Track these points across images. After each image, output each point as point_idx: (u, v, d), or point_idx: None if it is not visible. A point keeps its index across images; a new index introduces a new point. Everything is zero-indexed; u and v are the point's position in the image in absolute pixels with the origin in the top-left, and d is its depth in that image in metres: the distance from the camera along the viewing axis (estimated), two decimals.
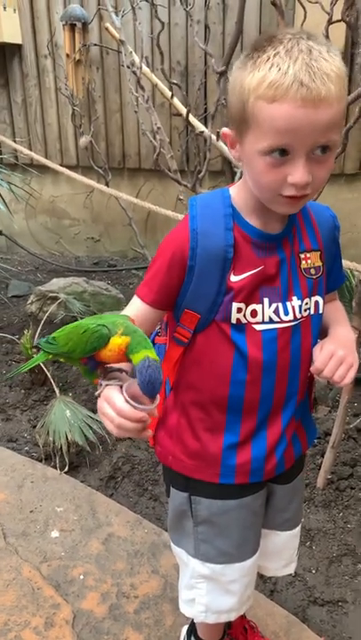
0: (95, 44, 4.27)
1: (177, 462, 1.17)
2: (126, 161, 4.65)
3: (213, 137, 2.46)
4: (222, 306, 1.02)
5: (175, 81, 2.88)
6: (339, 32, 2.95)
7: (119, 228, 4.79)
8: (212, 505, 1.17)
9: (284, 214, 1.03)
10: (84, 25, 4.15)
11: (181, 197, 2.78)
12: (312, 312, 1.09)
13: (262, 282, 1.02)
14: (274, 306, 1.04)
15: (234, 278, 1.01)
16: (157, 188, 4.60)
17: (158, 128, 2.74)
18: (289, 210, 0.99)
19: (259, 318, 1.04)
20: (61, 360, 1.07)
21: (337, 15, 1.76)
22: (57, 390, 2.60)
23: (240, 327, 1.04)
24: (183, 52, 4.24)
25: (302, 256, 1.07)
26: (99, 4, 4.07)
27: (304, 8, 1.88)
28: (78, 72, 4.25)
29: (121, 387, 0.91)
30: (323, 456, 2.20)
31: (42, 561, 1.87)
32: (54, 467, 2.31)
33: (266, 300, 1.03)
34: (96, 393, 0.94)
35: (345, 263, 1.67)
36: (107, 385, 0.93)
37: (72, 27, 4.11)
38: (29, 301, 3.61)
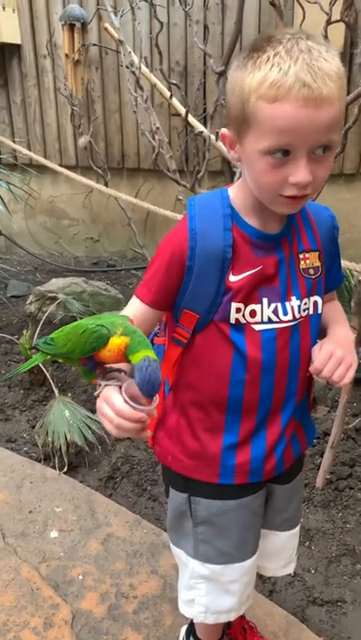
0: (94, 44, 4.27)
1: (176, 462, 1.17)
2: (125, 161, 4.65)
3: (212, 137, 2.46)
4: (221, 306, 1.02)
5: (174, 81, 2.88)
6: (338, 32, 2.95)
7: (118, 228, 4.79)
8: (212, 505, 1.17)
9: (282, 214, 1.03)
10: (83, 25, 4.15)
11: (180, 197, 2.78)
12: (311, 312, 1.09)
13: (261, 282, 1.02)
14: (273, 306, 1.04)
15: (233, 278, 1.01)
16: (156, 188, 4.60)
17: (157, 128, 2.74)
18: (289, 210, 0.99)
19: (258, 318, 1.04)
20: (60, 360, 1.07)
21: (336, 15, 1.76)
22: (56, 390, 2.60)
23: (239, 327, 1.04)
24: (182, 52, 4.24)
25: (301, 256, 1.07)
26: (98, 4, 4.08)
27: (303, 8, 1.88)
28: (77, 72, 4.25)
29: (120, 387, 0.91)
30: (322, 456, 2.20)
31: (41, 561, 1.87)
32: (53, 467, 2.31)
33: (265, 300, 1.03)
34: (95, 393, 0.94)
35: (344, 263, 1.67)
36: (106, 385, 0.93)
37: (71, 27, 4.11)
38: (28, 301, 3.61)
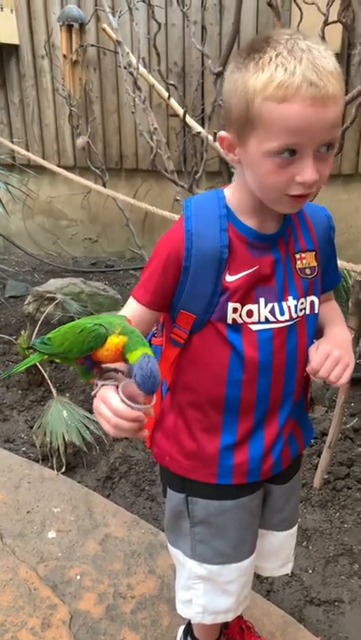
0: (92, 45, 4.27)
1: (174, 463, 1.17)
2: (124, 161, 4.65)
3: (210, 138, 2.46)
4: (218, 306, 1.02)
5: (172, 82, 2.88)
6: (335, 33, 2.96)
7: (116, 229, 4.78)
8: (209, 505, 1.17)
9: (279, 215, 1.04)
10: (81, 25, 4.15)
11: (178, 198, 2.78)
12: (308, 312, 1.09)
13: (258, 282, 1.03)
14: (270, 306, 1.04)
15: (229, 278, 1.01)
16: (155, 188, 4.60)
17: (155, 129, 2.74)
18: (292, 209, 0.99)
19: (255, 318, 1.04)
20: (57, 360, 1.07)
21: (333, 16, 1.77)
22: (54, 391, 2.60)
23: (236, 327, 1.04)
24: (180, 52, 4.25)
25: (297, 256, 1.07)
26: (96, 5, 4.07)
27: (300, 9, 1.88)
28: (75, 73, 4.25)
29: (117, 387, 0.91)
30: (319, 456, 2.20)
31: (39, 561, 1.87)
32: (51, 467, 2.31)
33: (262, 300, 1.03)
34: (92, 393, 0.95)
35: (342, 264, 1.67)
36: (103, 385, 0.93)
37: (69, 27, 4.11)
38: (27, 302, 3.61)
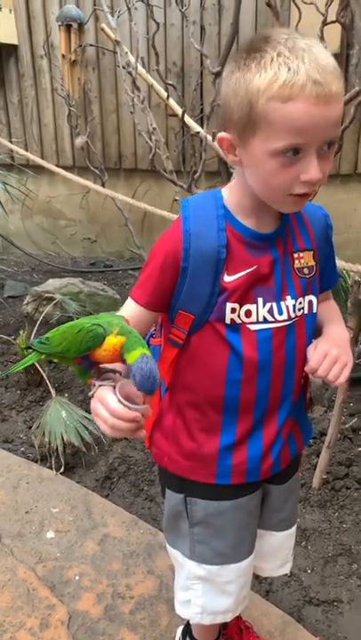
0: (91, 45, 4.27)
1: (172, 463, 1.17)
2: (122, 161, 4.65)
3: (209, 137, 2.46)
4: (216, 306, 1.02)
5: (171, 82, 2.88)
6: (334, 33, 2.95)
7: (115, 229, 4.78)
8: (208, 506, 1.17)
9: (277, 214, 1.04)
10: (80, 25, 4.15)
11: (177, 198, 2.78)
12: (306, 311, 1.09)
13: (256, 282, 1.02)
14: (268, 305, 1.04)
15: (227, 279, 1.01)
16: (154, 188, 4.60)
17: (154, 129, 2.74)
18: (295, 208, 0.99)
19: (253, 318, 1.04)
20: (55, 360, 1.07)
21: (332, 16, 1.76)
22: (53, 391, 2.59)
23: (234, 327, 1.04)
24: (179, 52, 4.25)
25: (295, 255, 1.07)
26: (94, 5, 4.07)
27: (299, 9, 1.88)
28: (74, 72, 4.25)
29: (114, 387, 0.91)
30: (318, 456, 2.20)
31: (37, 562, 1.87)
32: (50, 467, 2.31)
33: (260, 300, 1.03)
34: (89, 394, 0.94)
35: (341, 264, 1.67)
36: (100, 385, 0.93)
37: (68, 27, 4.11)
38: (25, 302, 3.60)
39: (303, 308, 1.08)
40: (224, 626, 1.52)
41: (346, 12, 1.76)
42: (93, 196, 4.74)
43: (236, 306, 1.02)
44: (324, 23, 1.76)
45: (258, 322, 1.04)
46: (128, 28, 3.95)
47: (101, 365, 0.97)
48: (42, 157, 4.50)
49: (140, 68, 2.86)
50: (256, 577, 1.77)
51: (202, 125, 2.68)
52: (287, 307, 1.05)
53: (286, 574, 1.67)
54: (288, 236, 1.06)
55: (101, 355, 0.92)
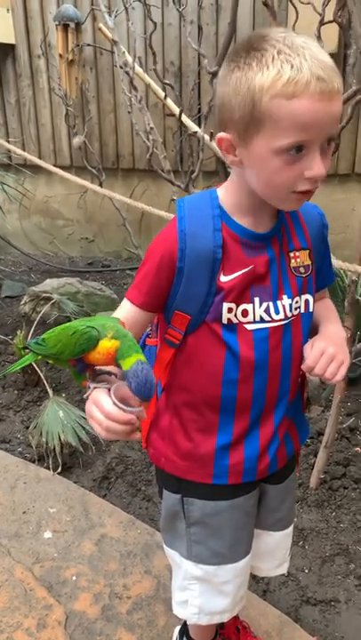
0: (88, 45, 4.26)
1: (169, 464, 1.17)
2: (120, 161, 4.65)
3: (207, 137, 2.46)
4: (213, 306, 1.02)
5: (168, 81, 2.88)
6: (331, 32, 2.95)
7: (113, 229, 4.78)
8: (205, 506, 1.17)
9: (273, 214, 1.04)
10: (77, 25, 4.15)
11: (175, 198, 2.77)
12: (302, 310, 1.09)
13: (252, 281, 1.02)
14: (265, 305, 1.04)
15: (224, 278, 1.01)
16: (151, 188, 4.60)
17: (151, 128, 2.74)
18: (297, 206, 0.99)
19: (250, 318, 1.04)
20: (50, 361, 1.07)
21: (329, 16, 1.77)
22: (50, 391, 2.59)
23: (231, 327, 1.04)
24: (177, 52, 4.24)
25: (291, 255, 1.07)
26: (92, 5, 4.07)
27: (296, 9, 1.88)
28: (72, 72, 4.24)
29: (109, 389, 0.91)
30: (316, 456, 2.20)
31: (34, 562, 1.86)
32: (47, 467, 2.30)
33: (256, 300, 1.03)
34: (84, 396, 0.94)
35: (338, 263, 1.67)
36: (95, 387, 0.93)
37: (65, 27, 4.11)
38: (23, 302, 3.60)
39: (300, 308, 1.08)
40: (221, 626, 1.52)
41: (343, 11, 1.77)
42: (91, 196, 4.74)
43: (233, 306, 1.02)
44: (322, 23, 1.76)
45: (255, 321, 1.04)
46: (125, 28, 3.94)
47: (97, 367, 0.97)
48: (39, 157, 4.50)
49: (137, 67, 2.85)
50: (253, 577, 1.77)
51: (199, 125, 2.68)
52: (284, 306, 1.05)
53: (284, 574, 1.67)
54: (284, 235, 1.06)
55: (95, 357, 0.92)
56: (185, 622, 1.48)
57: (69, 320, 1.00)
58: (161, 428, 1.18)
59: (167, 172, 2.66)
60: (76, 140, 4.10)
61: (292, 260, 1.07)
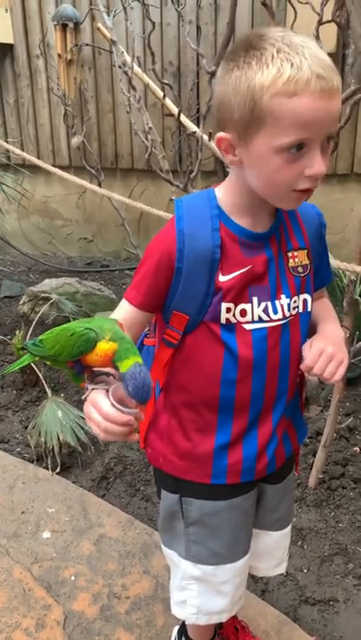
0: (87, 44, 4.26)
1: (168, 464, 1.17)
2: (119, 161, 4.65)
3: (205, 137, 2.46)
4: (211, 306, 1.02)
5: (167, 81, 2.88)
6: (330, 32, 2.95)
7: (112, 229, 4.78)
8: (204, 506, 1.17)
9: (271, 213, 1.04)
10: (76, 25, 4.14)
11: (173, 198, 2.78)
12: (301, 310, 1.09)
13: (251, 281, 1.02)
14: (263, 305, 1.04)
15: (222, 278, 1.01)
16: (150, 188, 4.60)
17: (150, 128, 2.74)
18: (296, 204, 1.00)
19: (248, 318, 1.04)
20: (48, 363, 1.07)
21: (327, 16, 1.77)
22: (49, 391, 2.59)
23: (230, 327, 1.04)
24: (175, 52, 4.24)
25: (290, 254, 1.07)
26: (90, 4, 4.06)
27: (295, 8, 1.88)
28: (70, 72, 4.24)
29: (107, 390, 0.91)
30: (315, 455, 2.20)
31: (33, 562, 1.86)
32: (46, 467, 2.30)
33: (255, 300, 1.03)
34: (83, 397, 0.94)
35: (337, 263, 1.67)
36: (93, 389, 0.93)
37: (64, 27, 4.10)
38: (21, 302, 3.60)
39: (298, 307, 1.08)
40: (220, 625, 1.52)
41: (341, 11, 1.77)
42: (90, 196, 4.73)
43: (231, 305, 1.02)
44: (320, 23, 1.77)
45: (253, 321, 1.04)
46: (124, 28, 3.93)
47: (95, 369, 0.97)
48: (38, 157, 4.50)
49: (136, 67, 2.85)
50: (252, 576, 1.77)
51: (198, 125, 2.68)
52: (282, 306, 1.05)
53: (282, 574, 1.67)
54: (282, 235, 1.06)
55: (93, 359, 0.92)
56: (183, 622, 1.48)
57: (68, 320, 1.00)
58: (159, 428, 1.18)
59: (166, 171, 2.67)
60: (75, 140, 4.10)
61: (291, 260, 1.07)
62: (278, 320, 1.05)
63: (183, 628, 1.49)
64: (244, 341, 1.04)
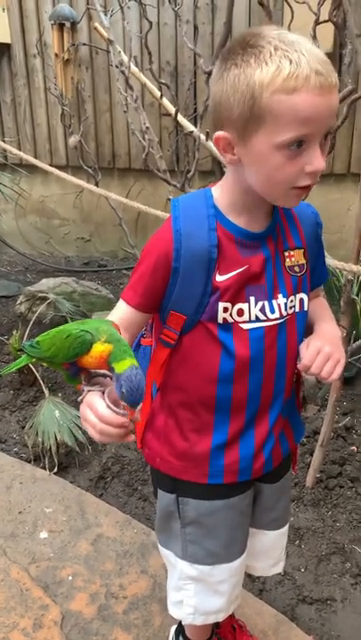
0: (84, 44, 4.25)
1: (165, 464, 1.17)
2: (116, 161, 4.64)
3: (203, 137, 2.46)
4: (208, 306, 1.02)
5: (164, 81, 2.88)
6: (327, 32, 2.95)
7: (109, 228, 4.77)
8: (200, 506, 1.17)
9: (268, 213, 1.04)
10: (73, 24, 4.14)
11: (171, 197, 2.77)
12: (297, 309, 1.09)
13: (248, 280, 1.02)
14: (260, 304, 1.04)
15: (219, 278, 1.01)
16: (147, 188, 4.59)
17: (147, 128, 2.74)
18: (296, 202, 1.00)
19: (245, 317, 1.04)
20: (44, 364, 1.06)
21: (324, 16, 1.77)
22: (46, 391, 2.59)
23: (227, 327, 1.04)
24: (172, 51, 4.24)
25: (286, 254, 1.07)
26: (87, 4, 4.05)
27: (291, 8, 1.88)
28: (67, 72, 4.24)
29: (103, 392, 0.90)
30: (312, 455, 2.21)
31: (30, 562, 1.86)
32: (43, 467, 2.30)
33: (252, 299, 1.03)
34: (79, 399, 0.94)
35: (334, 263, 1.67)
36: (89, 391, 0.92)
37: (61, 26, 4.10)
38: (19, 302, 3.59)
39: (295, 306, 1.08)
40: (217, 625, 1.52)
41: (338, 11, 1.77)
42: (87, 196, 4.73)
43: (229, 305, 1.02)
44: (317, 22, 1.77)
45: (250, 321, 1.04)
46: (121, 27, 3.94)
47: (92, 370, 0.96)
48: (35, 157, 4.49)
49: (133, 67, 2.85)
50: (249, 576, 1.77)
51: (195, 125, 2.67)
52: (279, 305, 1.05)
53: (280, 573, 1.67)
54: (279, 234, 1.06)
55: (88, 361, 0.92)
56: (181, 622, 1.48)
57: (66, 320, 1.00)
58: (156, 428, 1.18)
59: (163, 171, 2.66)
60: (72, 140, 4.10)
61: (287, 259, 1.07)
62: (275, 319, 1.05)
63: (180, 628, 1.49)
64: (241, 341, 1.04)
